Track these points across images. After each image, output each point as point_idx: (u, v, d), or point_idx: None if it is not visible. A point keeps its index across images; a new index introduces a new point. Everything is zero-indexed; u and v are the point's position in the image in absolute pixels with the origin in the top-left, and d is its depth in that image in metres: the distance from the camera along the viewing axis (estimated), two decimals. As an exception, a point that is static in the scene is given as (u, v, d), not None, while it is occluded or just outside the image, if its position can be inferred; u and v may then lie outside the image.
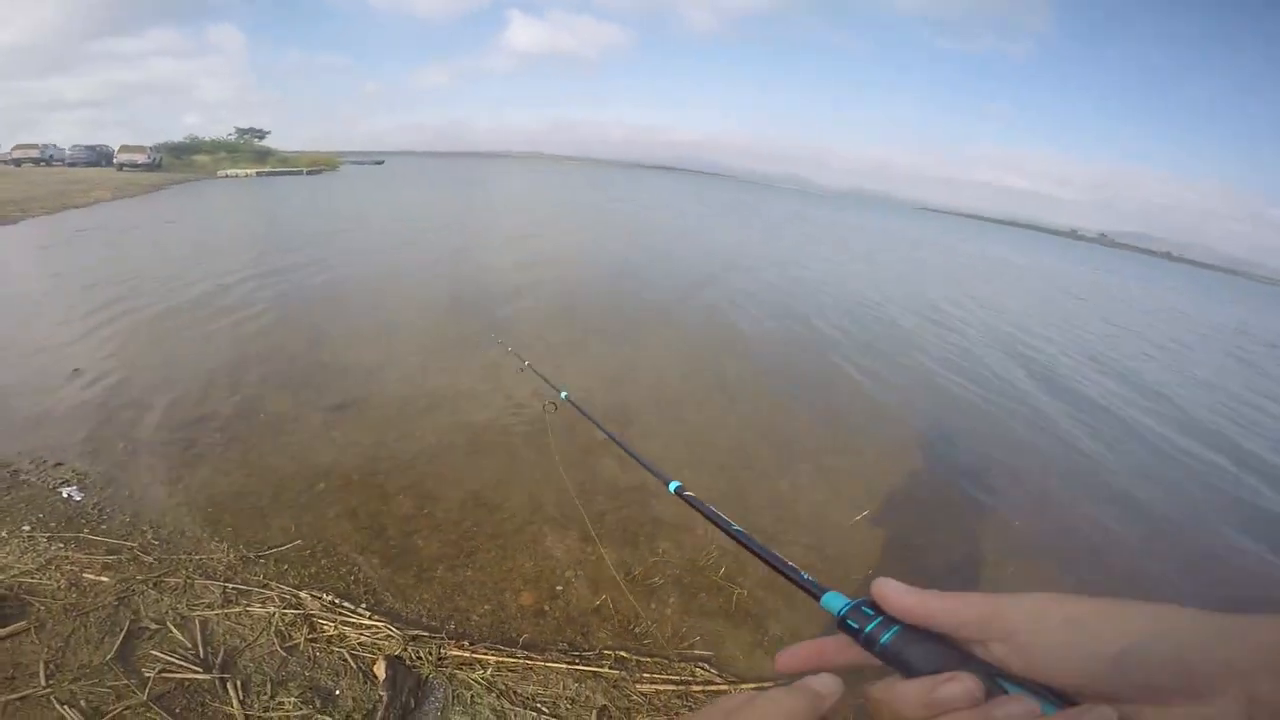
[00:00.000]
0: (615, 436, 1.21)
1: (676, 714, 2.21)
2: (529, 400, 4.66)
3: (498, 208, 24.52)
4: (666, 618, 2.70)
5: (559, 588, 2.81)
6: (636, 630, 2.61)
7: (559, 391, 2.04)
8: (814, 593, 0.49)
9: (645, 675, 2.36)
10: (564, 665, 2.36)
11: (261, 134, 54.62)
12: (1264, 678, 0.33)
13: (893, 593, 0.43)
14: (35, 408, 4.26)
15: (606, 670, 2.36)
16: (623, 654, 2.46)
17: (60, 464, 3.50)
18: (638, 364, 6.06)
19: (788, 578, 0.53)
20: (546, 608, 2.69)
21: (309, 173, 40.61)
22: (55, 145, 37.90)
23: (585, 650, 2.47)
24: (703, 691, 2.30)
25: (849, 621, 0.45)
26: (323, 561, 2.83)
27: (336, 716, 2.05)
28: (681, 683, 2.33)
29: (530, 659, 2.37)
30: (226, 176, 34.60)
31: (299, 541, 2.94)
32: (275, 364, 5.31)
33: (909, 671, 0.41)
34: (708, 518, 0.71)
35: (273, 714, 2.03)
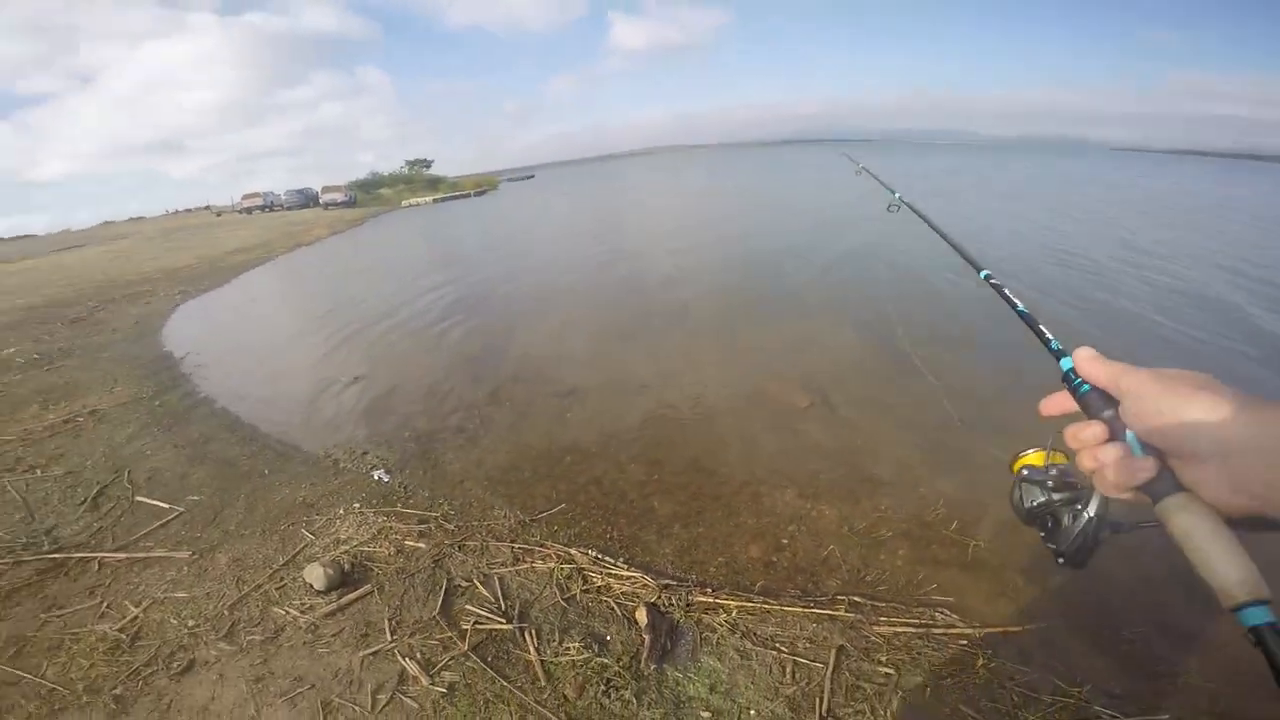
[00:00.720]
0: (946, 234, 1.28)
1: (919, 654, 2.24)
2: (705, 391, 4.90)
3: (648, 206, 25.09)
4: (897, 568, 2.75)
5: (784, 540, 2.99)
6: (868, 579, 2.69)
7: (893, 192, 2.09)
8: (1056, 355, 0.67)
9: (882, 618, 2.40)
10: (799, 609, 2.46)
11: (428, 163, 59.74)
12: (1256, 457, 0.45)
13: (1077, 357, 0.60)
14: (335, 408, 5.30)
15: (842, 613, 2.43)
16: (856, 599, 2.53)
17: (366, 453, 4.28)
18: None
19: (1041, 340, 0.73)
20: (774, 559, 2.87)
21: (475, 194, 43.60)
22: (274, 192, 43.19)
23: (818, 596, 2.58)
24: (944, 634, 2.33)
25: (1066, 378, 0.63)
26: (583, 523, 3.25)
27: (610, 659, 2.27)
28: (921, 625, 2.37)
29: (767, 604, 2.51)
30: (410, 206, 38.04)
31: (563, 506, 3.40)
32: (507, 360, 6.13)
33: (1089, 414, 0.59)
34: (1005, 299, 0.90)
35: (561, 659, 2.29)
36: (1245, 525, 0.49)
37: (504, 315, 8.08)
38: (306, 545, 3.16)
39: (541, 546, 3.01)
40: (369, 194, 45.18)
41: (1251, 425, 0.46)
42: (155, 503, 3.73)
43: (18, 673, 2.44)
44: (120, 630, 2.63)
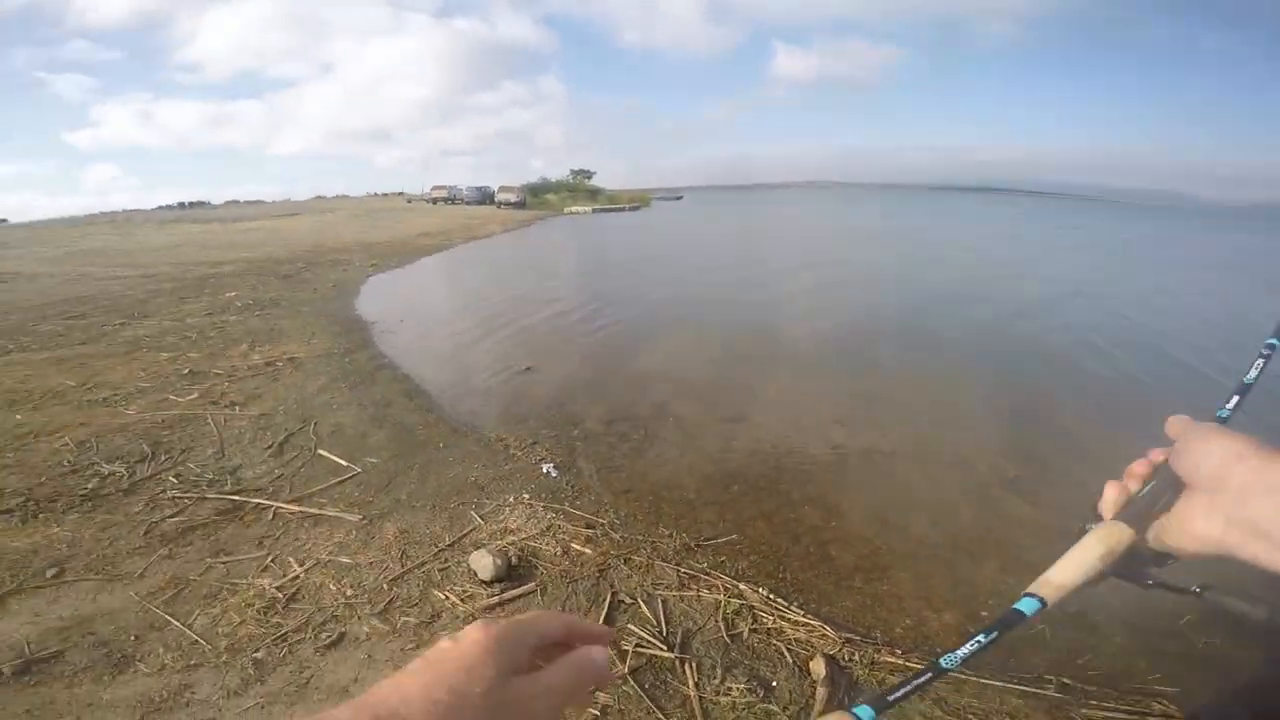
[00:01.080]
0: None
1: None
2: (895, 440, 4.54)
3: (818, 237, 24.48)
4: (1113, 655, 2.49)
5: (983, 612, 2.72)
6: (1079, 661, 2.44)
7: None
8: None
9: (1092, 701, 2.20)
10: (999, 682, 2.25)
11: (589, 174, 62.59)
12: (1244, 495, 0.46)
13: (1169, 420, 0.60)
14: (507, 395, 5.49)
15: (1050, 693, 2.22)
16: (1066, 680, 2.31)
17: (535, 444, 4.28)
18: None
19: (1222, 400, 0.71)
20: (970, 629, 2.58)
21: (630, 209, 45.68)
22: (457, 186, 47.65)
23: (1021, 672, 2.34)
24: (1159, 723, 2.14)
25: None
26: (751, 557, 3.03)
27: (776, 706, 2.09)
28: (1135, 712, 2.17)
29: (964, 672, 2.26)
30: (571, 213, 40.03)
31: (733, 536, 3.20)
32: (671, 375, 6.00)
33: None
34: (1254, 364, 0.79)
35: (722, 698, 2.13)
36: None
37: (670, 329, 8.09)
38: (474, 529, 3.14)
39: (708, 575, 2.82)
40: (536, 197, 48.17)
41: (1241, 465, 0.47)
42: (335, 459, 3.89)
43: (167, 617, 2.46)
44: (279, 589, 2.64)
